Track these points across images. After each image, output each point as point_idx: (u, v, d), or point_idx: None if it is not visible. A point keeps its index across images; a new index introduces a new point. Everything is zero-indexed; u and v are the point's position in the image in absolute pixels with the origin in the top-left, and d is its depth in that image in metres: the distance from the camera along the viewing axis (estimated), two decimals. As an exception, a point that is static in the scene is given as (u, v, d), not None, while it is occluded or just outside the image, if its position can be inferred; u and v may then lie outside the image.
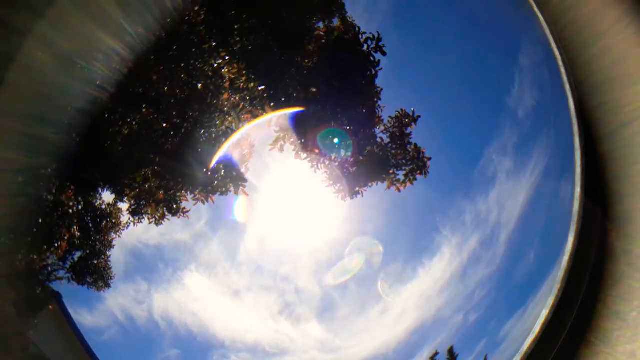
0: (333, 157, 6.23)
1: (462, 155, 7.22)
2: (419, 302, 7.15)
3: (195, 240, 6.79)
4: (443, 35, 7.08)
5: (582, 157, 5.16)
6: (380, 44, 6.10)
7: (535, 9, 4.84)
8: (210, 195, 6.19)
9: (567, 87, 5.18)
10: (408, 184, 6.26)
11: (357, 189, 6.11)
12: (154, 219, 6.37)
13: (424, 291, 7.23)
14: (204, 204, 6.27)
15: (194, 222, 6.78)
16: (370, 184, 6.24)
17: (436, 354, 7.59)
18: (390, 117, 6.24)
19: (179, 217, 6.37)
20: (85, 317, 6.55)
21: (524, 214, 7.09)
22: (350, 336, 7.17)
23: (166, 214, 6.26)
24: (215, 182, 6.16)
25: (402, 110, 6.26)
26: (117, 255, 6.87)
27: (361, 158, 6.23)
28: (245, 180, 6.25)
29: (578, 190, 5.23)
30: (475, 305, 7.10)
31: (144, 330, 6.83)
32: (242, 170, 6.24)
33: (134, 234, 6.86)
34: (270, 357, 6.99)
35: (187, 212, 6.35)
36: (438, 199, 7.10)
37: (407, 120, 6.27)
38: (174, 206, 6.21)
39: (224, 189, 6.20)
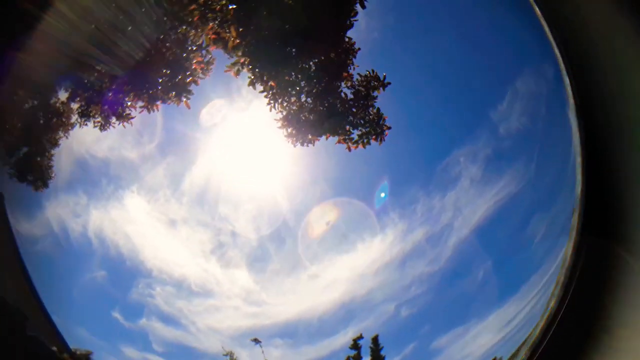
0: (291, 100, 6.04)
1: (428, 145, 7.08)
2: (351, 277, 7.01)
3: (143, 161, 6.63)
4: (441, 24, 6.94)
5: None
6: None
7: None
8: (155, 102, 5.99)
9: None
10: (360, 146, 6.07)
11: (310, 137, 5.91)
12: (99, 124, 6.17)
13: (358, 266, 7.09)
14: (149, 112, 6.08)
15: (145, 142, 6.62)
16: (324, 136, 6.04)
17: (360, 337, 7.45)
18: (360, 74, 6.04)
19: (123, 124, 6.17)
20: (22, 225, 6.37)
21: (481, 228, 6.96)
22: (277, 293, 7.03)
23: (111, 118, 6.05)
24: (160, 87, 5.96)
25: (373, 71, 6.07)
26: (63, 164, 6.70)
27: (320, 107, 6.03)
28: (190, 92, 6.05)
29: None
30: (409, 300, 6.98)
31: (76, 245, 6.66)
32: (190, 82, 6.06)
33: (84, 144, 6.73)
34: (194, 296, 6.84)
35: (132, 118, 6.15)
36: (391, 179, 6.94)
37: (375, 83, 6.09)
38: (119, 109, 6.00)
39: (167, 96, 6.00)
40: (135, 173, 6.90)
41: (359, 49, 6.13)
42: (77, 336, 6.41)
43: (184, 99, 6.03)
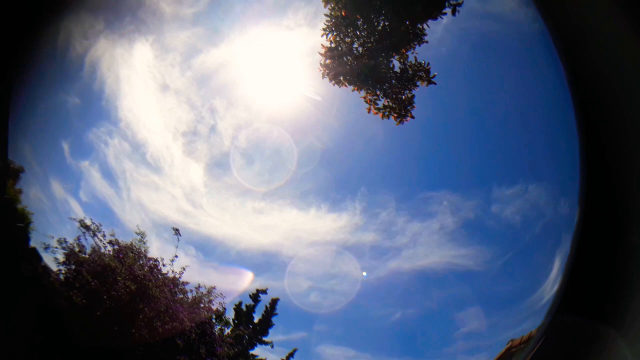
0: (345, 39, 5.96)
1: (425, 168, 7.06)
2: (288, 233, 6.94)
3: (174, 20, 6.47)
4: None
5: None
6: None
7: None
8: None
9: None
10: (379, 115, 6.02)
11: (342, 79, 5.83)
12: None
13: (299, 228, 7.02)
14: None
15: (186, 3, 6.48)
16: (353, 87, 5.95)
17: (264, 291, 7.39)
18: (415, 58, 5.98)
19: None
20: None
21: (424, 275, 6.92)
22: (217, 206, 6.92)
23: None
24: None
25: (427, 64, 6.03)
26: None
27: (366, 61, 5.96)
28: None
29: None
30: (325, 289, 6.94)
31: (69, 68, 6.43)
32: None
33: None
34: (144, 165, 6.70)
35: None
36: (376, 173, 6.90)
37: (423, 75, 6.04)
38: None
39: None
40: (159, 27, 6.74)
41: (427, 42, 6.05)
42: (19, 150, 6.14)
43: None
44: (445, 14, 5.98)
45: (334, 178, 6.80)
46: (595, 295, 4.41)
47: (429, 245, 6.67)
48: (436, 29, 6.53)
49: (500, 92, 6.78)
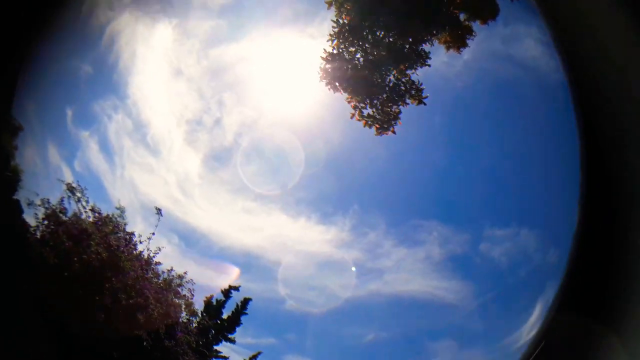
0: (349, 48, 6.11)
1: (418, 194, 7.10)
2: (273, 238, 7.00)
3: (201, 8, 6.70)
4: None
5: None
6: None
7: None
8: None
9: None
10: (362, 123, 6.11)
11: (337, 84, 5.98)
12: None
13: (284, 234, 7.07)
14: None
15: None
16: (347, 96, 6.06)
17: (237, 288, 7.43)
18: (409, 78, 6.10)
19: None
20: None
21: (402, 301, 6.92)
22: (207, 199, 7.01)
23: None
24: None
25: (421, 84, 6.13)
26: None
27: (362, 71, 6.10)
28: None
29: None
30: (300, 299, 6.98)
31: (88, 36, 6.66)
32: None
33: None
34: (143, 145, 6.84)
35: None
36: (373, 201, 6.98)
37: (415, 93, 6.14)
38: None
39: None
40: (186, 10, 6.93)
41: (430, 65, 6.16)
42: (24, 108, 6.26)
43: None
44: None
45: (329, 191, 6.90)
46: (594, 296, 4.41)
47: (412, 273, 6.69)
48: (456, 63, 6.71)
49: (508, 134, 6.81)
